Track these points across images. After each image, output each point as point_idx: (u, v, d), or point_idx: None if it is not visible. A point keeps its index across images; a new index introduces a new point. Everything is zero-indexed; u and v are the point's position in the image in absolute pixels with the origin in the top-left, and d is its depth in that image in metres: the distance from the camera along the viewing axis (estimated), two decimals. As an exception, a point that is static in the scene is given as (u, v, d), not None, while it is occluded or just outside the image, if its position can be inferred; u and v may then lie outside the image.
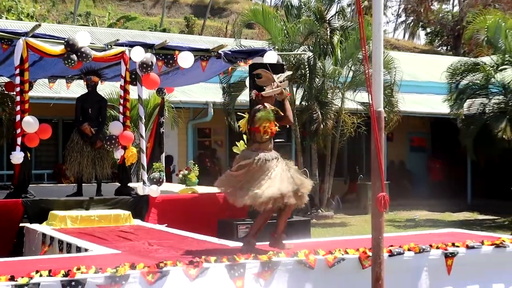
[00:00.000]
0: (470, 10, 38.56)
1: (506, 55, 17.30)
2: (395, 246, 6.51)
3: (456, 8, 48.37)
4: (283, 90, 6.50)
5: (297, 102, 18.00)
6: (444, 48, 50.65)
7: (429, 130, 24.93)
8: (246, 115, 6.74)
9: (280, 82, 6.50)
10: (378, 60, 5.55)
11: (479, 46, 20.45)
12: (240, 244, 7.37)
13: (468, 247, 6.87)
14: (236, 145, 10.84)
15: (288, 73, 6.88)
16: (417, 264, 6.54)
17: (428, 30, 51.74)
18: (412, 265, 6.51)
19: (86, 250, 6.79)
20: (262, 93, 6.44)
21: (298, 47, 17.68)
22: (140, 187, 10.11)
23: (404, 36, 54.55)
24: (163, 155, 13.11)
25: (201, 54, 10.50)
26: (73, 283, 5.08)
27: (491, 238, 7.29)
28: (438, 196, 22.40)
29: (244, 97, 16.81)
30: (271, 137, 6.43)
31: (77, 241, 7.30)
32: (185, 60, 10.19)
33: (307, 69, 17.41)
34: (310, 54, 17.48)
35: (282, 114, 6.47)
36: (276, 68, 9.90)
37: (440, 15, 49.17)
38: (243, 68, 13.18)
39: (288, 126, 8.60)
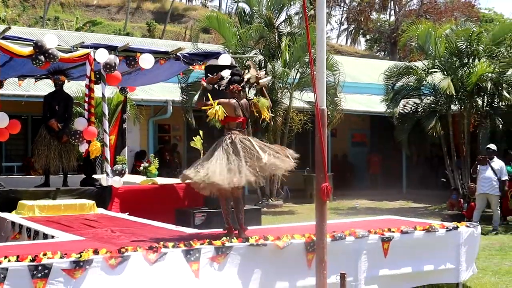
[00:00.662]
0: (404, 20, 39.09)
1: (436, 60, 17.57)
2: (337, 231, 6.55)
3: (393, 18, 49.03)
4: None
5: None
6: (382, 53, 51.29)
7: (369, 127, 25.20)
8: (215, 105, 6.57)
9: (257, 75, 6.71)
10: (322, 63, 5.56)
11: (412, 52, 20.75)
12: (196, 230, 7.36)
13: (402, 232, 6.96)
14: (193, 140, 10.77)
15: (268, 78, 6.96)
16: (357, 247, 6.59)
17: (368, 37, 52.35)
18: (352, 248, 6.56)
19: (52, 237, 6.66)
20: (262, 80, 6.68)
21: (250, 51, 17.67)
22: (104, 178, 9.99)
23: (346, 42, 55.06)
24: (126, 149, 12.97)
25: (161, 56, 10.40)
26: (39, 267, 4.97)
27: (423, 224, 7.40)
28: (377, 186, 22.72)
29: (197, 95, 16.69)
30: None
31: (44, 228, 7.16)
32: (146, 61, 10.09)
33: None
34: (261, 57, 17.48)
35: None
36: (230, 70, 9.92)
37: (378, 24, 49.78)
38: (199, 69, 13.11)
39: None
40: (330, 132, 21.30)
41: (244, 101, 6.69)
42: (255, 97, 6.73)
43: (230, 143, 6.39)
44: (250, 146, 6.35)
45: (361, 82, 24.70)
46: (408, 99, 18.44)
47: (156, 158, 11.76)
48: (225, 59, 10.60)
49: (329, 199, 5.66)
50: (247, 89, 6.94)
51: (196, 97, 6.83)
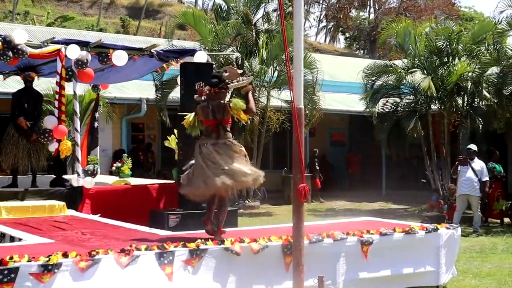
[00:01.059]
0: (384, 18, 39.33)
1: (416, 59, 17.68)
2: (315, 233, 6.54)
3: (372, 16, 49.34)
4: (248, 84, 6.64)
5: (226, 99, 17.89)
6: (362, 51, 51.58)
7: (348, 126, 25.31)
8: (189, 116, 6.75)
9: (243, 77, 6.67)
10: (299, 61, 5.56)
11: (391, 50, 20.85)
12: (170, 232, 7.31)
13: (381, 234, 6.97)
14: (168, 139, 10.73)
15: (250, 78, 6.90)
16: (336, 250, 6.59)
17: (347, 34, 52.61)
18: (330, 251, 6.56)
19: (20, 239, 6.56)
20: (230, 85, 6.55)
21: (226, 48, 17.63)
22: (74, 179, 9.89)
23: (325, 40, 55.23)
24: (98, 148, 12.88)
25: (135, 53, 10.33)
26: (5, 271, 4.88)
27: (402, 226, 7.43)
28: (356, 187, 22.79)
29: (175, 94, 16.65)
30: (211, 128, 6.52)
31: (11, 231, 7.05)
32: (119, 58, 10.01)
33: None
34: (238, 54, 17.45)
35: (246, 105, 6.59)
36: (206, 68, 9.90)
37: (358, 21, 50.07)
38: (175, 67, 13.06)
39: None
40: (309, 132, 21.34)
41: (216, 102, 6.61)
42: (231, 99, 6.70)
43: (198, 149, 6.49)
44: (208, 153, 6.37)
45: (340, 81, 24.80)
46: (387, 98, 18.53)
47: (130, 158, 11.68)
48: (201, 56, 10.57)
49: (306, 200, 5.65)
50: (230, 91, 6.87)
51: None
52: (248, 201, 18.29)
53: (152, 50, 10.47)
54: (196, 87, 6.78)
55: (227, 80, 6.58)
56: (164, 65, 11.13)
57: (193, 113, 6.71)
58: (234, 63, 17.48)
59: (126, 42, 12.33)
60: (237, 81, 6.59)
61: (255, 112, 6.86)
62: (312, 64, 17.75)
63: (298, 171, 5.47)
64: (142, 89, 18.82)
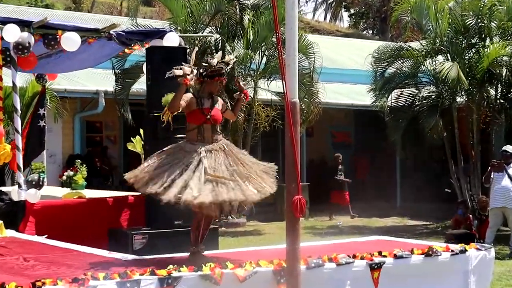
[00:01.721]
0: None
1: (437, 41, 17.70)
2: (313, 256, 6.54)
3: (383, -13, 49.52)
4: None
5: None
6: (370, 31, 51.73)
7: (353, 124, 25.35)
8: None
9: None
10: (292, 43, 5.58)
11: (406, 30, 20.93)
12: (135, 257, 7.30)
13: (396, 256, 6.98)
14: (132, 141, 10.71)
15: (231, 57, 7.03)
16: (340, 277, 6.59)
17: (352, 11, 52.69)
18: (333, 278, 6.56)
19: None
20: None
21: (203, 28, 17.61)
22: (15, 192, 9.84)
23: (325, 18, 55.34)
24: (45, 152, 12.84)
25: (90, 35, 10.30)
26: None
27: (422, 246, 7.44)
28: (364, 199, 22.82)
29: (139, 85, 16.64)
30: (197, 126, 6.78)
31: None
32: (70, 41, 9.96)
33: (214, 53, 17.34)
34: (218, 36, 17.45)
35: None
36: (178, 53, 9.89)
37: (365, -6, 50.19)
38: (139, 52, 13.04)
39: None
40: (305, 131, 21.37)
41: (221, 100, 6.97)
42: None
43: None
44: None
45: (344, 68, 24.87)
46: (402, 89, 18.59)
47: (84, 165, 11.66)
48: (172, 39, 10.55)
49: (302, 216, 5.66)
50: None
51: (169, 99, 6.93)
52: (232, 217, 18.28)
53: (111, 32, 10.43)
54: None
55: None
56: (126, 49, 11.11)
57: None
58: (213, 47, 17.49)
59: (79, 22, 12.31)
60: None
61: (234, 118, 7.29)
62: (309, 47, 17.78)
63: (292, 180, 5.47)
64: (99, 80, 18.77)
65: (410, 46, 18.71)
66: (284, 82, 5.66)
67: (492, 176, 13.39)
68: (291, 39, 5.60)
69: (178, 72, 6.78)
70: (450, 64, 16.62)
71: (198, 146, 6.66)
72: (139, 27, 16.38)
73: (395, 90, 18.69)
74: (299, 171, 5.49)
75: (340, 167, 20.95)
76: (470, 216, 15.78)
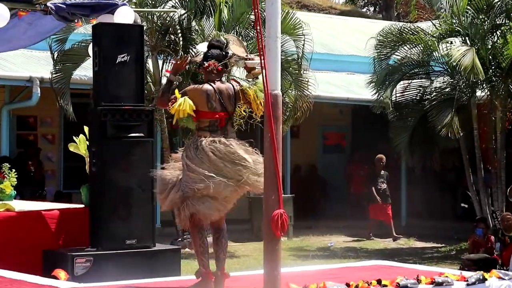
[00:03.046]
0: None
1: (454, 21, 17.76)
2: (298, 285, 6.57)
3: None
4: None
5: (164, 81, 17.92)
6: (372, 9, 51.93)
7: (350, 123, 25.41)
8: (179, 96, 7.01)
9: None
10: (274, 23, 5.59)
11: (416, 8, 21.02)
12: (76, 285, 7.30)
13: (399, 286, 7.02)
14: (74, 141, 10.68)
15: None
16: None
17: (350, -17, 52.91)
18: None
19: None
20: (248, 62, 7.02)
21: (164, 2, 17.59)
22: None
23: (317, -9, 55.52)
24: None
25: (21, 7, 10.26)
26: None
27: (431, 274, 7.49)
28: (362, 214, 22.88)
29: (82, 71, 16.57)
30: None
31: None
32: (-3, 15, 9.92)
33: (179, 34, 17.35)
34: (183, 12, 17.46)
35: None
36: (133, 32, 9.88)
37: (366, -38, 50.39)
38: (84, 29, 13.02)
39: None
40: (290, 131, 21.41)
41: (226, 86, 7.04)
42: (246, 83, 7.07)
43: (195, 149, 6.89)
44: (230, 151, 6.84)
45: (340, 54, 24.91)
46: (410, 80, 18.67)
47: (13, 170, 11.60)
48: (124, 14, 10.51)
49: (284, 235, 5.69)
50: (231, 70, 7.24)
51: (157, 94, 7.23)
52: (199, 236, 18.26)
53: (48, 3, 10.40)
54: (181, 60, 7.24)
55: (232, 55, 7.08)
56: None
57: (184, 97, 6.96)
58: (178, 26, 17.49)
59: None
60: (246, 58, 7.05)
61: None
62: (298, 28, 17.83)
63: (272, 190, 5.49)
64: (33, 65, 18.69)
65: (419, 27, 18.76)
66: (264, 70, 5.68)
67: (520, 188, 13.53)
68: (272, 17, 5.61)
69: (253, 62, 7.04)
70: (466, 49, 16.72)
71: None
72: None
73: (401, 82, 18.75)
74: (280, 180, 5.50)
75: (382, 172, 20.92)
76: (492, 237, 15.89)
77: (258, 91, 6.86)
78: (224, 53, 7.05)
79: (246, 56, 7.07)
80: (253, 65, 6.98)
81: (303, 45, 17.94)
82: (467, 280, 7.37)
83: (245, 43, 7.18)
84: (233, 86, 7.06)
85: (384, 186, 20.60)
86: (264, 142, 5.58)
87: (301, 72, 18.06)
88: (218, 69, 6.98)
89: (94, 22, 10.46)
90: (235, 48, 7.11)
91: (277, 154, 5.43)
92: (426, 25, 19.10)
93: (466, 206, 19.11)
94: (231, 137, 7.07)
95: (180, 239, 17.80)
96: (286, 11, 18.08)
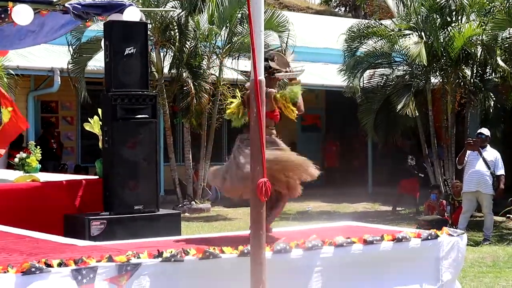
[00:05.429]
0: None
1: (412, 18, 17.76)
2: (281, 242, 6.57)
3: (356, -38, 49.52)
4: (297, 77, 7.28)
5: (166, 70, 17.91)
6: (343, 9, 51.77)
7: (324, 106, 25.42)
8: (235, 103, 7.25)
9: (294, 68, 7.30)
10: (258, 19, 5.57)
11: (380, 8, 21.02)
12: (92, 243, 7.29)
13: (366, 242, 7.03)
14: (89, 122, 10.64)
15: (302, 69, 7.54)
16: (307, 263, 6.62)
17: (324, -14, 52.68)
18: (300, 265, 6.59)
19: None
20: (278, 74, 7.14)
21: (166, 2, 17.51)
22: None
23: (295, -6, 55.27)
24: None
25: (43, 7, 10.17)
26: None
27: (393, 232, 7.49)
28: (335, 184, 22.95)
29: (96, 62, 16.53)
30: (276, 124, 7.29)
31: None
32: (22, 14, 9.82)
33: (176, 30, 17.30)
34: (180, 11, 17.39)
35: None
36: (138, 28, 9.83)
37: (338, -31, 50.18)
38: (97, 26, 12.95)
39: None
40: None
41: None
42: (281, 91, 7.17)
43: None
44: None
45: (315, 47, 24.90)
46: (374, 70, 18.69)
47: (38, 147, 11.56)
48: (132, 13, 10.43)
49: (268, 199, 5.70)
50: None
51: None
52: (196, 202, 18.32)
53: (66, 4, 10.32)
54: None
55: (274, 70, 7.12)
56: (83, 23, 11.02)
57: (238, 100, 7.22)
58: (175, 23, 17.43)
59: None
60: (286, 71, 7.18)
61: (302, 110, 7.41)
62: (283, 25, 17.82)
63: (257, 162, 5.50)
64: (54, 57, 18.65)
65: (383, 24, 18.80)
66: (253, 59, 5.67)
67: (466, 158, 13.52)
68: (256, 14, 5.59)
69: (294, 74, 7.31)
70: (416, 41, 16.87)
71: None
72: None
73: (368, 71, 18.77)
74: (264, 153, 5.51)
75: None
76: (444, 201, 15.97)
77: (287, 96, 7.04)
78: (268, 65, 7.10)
79: (286, 70, 7.18)
80: (292, 76, 7.22)
81: (288, 40, 17.97)
82: (423, 236, 7.37)
83: (291, 57, 7.34)
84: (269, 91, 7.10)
85: (413, 162, 19.88)
86: (250, 120, 5.57)
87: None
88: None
89: (105, 19, 10.40)
90: (280, 63, 7.21)
91: (262, 132, 5.43)
92: (388, 23, 19.11)
93: (422, 175, 19.14)
94: (267, 135, 6.98)
95: (180, 205, 17.84)
96: (273, 11, 18.14)
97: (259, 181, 5.51)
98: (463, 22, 17.39)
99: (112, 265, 5.74)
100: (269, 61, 7.13)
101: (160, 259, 5.98)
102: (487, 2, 17.43)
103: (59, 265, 5.58)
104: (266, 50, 7.25)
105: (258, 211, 5.62)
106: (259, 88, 5.45)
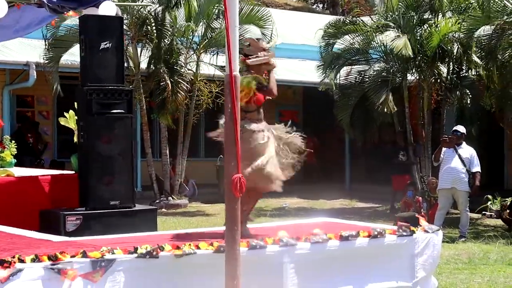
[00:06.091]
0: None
1: (389, 15, 17.80)
2: (256, 237, 6.57)
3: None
4: (270, 60, 7.36)
5: (143, 66, 17.86)
6: (321, 5, 51.82)
7: (301, 102, 25.44)
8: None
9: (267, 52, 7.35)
10: (233, 14, 5.57)
11: (358, 5, 21.08)
12: (67, 238, 7.25)
13: (341, 238, 7.04)
14: (65, 116, 10.56)
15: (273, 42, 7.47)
16: (282, 259, 6.62)
17: (302, -17, 52.71)
18: (275, 261, 6.59)
19: None
20: (248, 61, 7.19)
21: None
22: None
23: (273, -10, 55.25)
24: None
25: (18, 1, 10.08)
26: None
27: (368, 229, 7.51)
28: (312, 180, 22.96)
29: (72, 57, 16.47)
30: (259, 107, 7.29)
31: None
32: (-3, 8, 9.75)
33: (153, 25, 17.26)
34: (157, 6, 17.33)
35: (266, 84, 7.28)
36: (114, 22, 9.77)
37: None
38: (72, 20, 12.86)
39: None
40: (251, 109, 21.42)
41: None
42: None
43: None
44: None
45: (293, 43, 24.88)
46: (351, 66, 18.72)
47: (13, 142, 11.47)
48: (107, 8, 10.38)
49: (242, 194, 5.70)
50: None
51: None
52: (173, 198, 18.28)
53: (40, -3, 10.24)
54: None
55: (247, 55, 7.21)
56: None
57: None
58: (152, 19, 17.36)
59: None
60: (256, 57, 7.23)
61: (275, 94, 7.51)
62: (264, 19, 17.82)
63: (232, 158, 5.49)
64: (30, 50, 18.52)
65: (361, 20, 18.79)
66: (228, 54, 5.66)
67: (442, 155, 13.58)
68: (231, 10, 5.59)
69: (261, 59, 7.30)
70: (397, 34, 16.96)
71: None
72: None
73: (345, 67, 18.80)
74: (239, 149, 5.50)
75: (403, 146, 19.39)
76: (420, 198, 16.03)
77: (248, 82, 6.98)
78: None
79: (258, 55, 7.23)
80: (260, 61, 7.25)
81: (271, 35, 18.00)
82: (398, 233, 7.39)
83: (268, 44, 7.58)
84: None
85: (404, 158, 19.07)
86: (225, 115, 5.57)
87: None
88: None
89: (81, 13, 10.32)
90: (254, 48, 7.30)
91: (236, 127, 5.42)
92: (366, 20, 19.13)
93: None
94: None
95: (157, 201, 17.80)
96: (252, 6, 18.15)
97: (233, 176, 5.51)
98: (439, 19, 17.43)
99: (86, 261, 5.72)
100: (244, 47, 7.23)
101: (135, 255, 5.96)
102: (463, 0, 17.50)
103: (33, 260, 5.55)
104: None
105: (233, 206, 5.61)
106: (234, 83, 5.44)
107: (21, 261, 5.50)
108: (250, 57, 7.20)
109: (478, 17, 16.54)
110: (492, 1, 16.18)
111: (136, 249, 6.03)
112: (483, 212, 16.31)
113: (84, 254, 5.78)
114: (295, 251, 6.72)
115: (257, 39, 7.51)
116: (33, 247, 6.43)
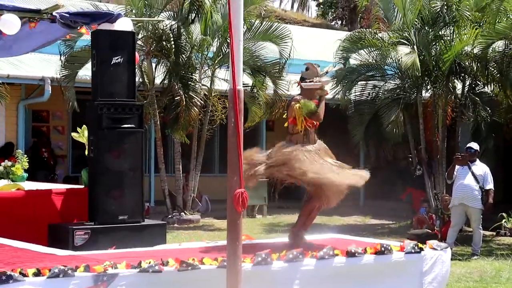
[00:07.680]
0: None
1: (405, 31, 17.72)
2: (262, 253, 6.53)
3: (352, -25, 49.63)
4: (323, 86, 7.66)
5: (157, 81, 17.91)
6: (339, 22, 51.85)
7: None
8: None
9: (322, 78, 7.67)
10: (238, 30, 5.57)
11: (376, 21, 21.01)
12: (74, 252, 7.25)
13: (348, 254, 7.00)
14: (77, 132, 10.60)
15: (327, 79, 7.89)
16: (288, 275, 6.60)
17: (320, 0, 52.77)
18: (281, 277, 6.56)
19: None
20: (302, 84, 7.60)
21: (159, 12, 17.47)
22: None
23: (292, 7, 55.32)
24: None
25: (30, 16, 10.12)
26: None
27: (376, 245, 7.45)
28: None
29: (85, 71, 16.56)
30: (306, 130, 7.72)
31: None
32: (9, 24, 9.77)
33: (171, 40, 17.31)
34: (171, 22, 17.38)
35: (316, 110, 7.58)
36: (126, 37, 9.79)
37: (334, -18, 50.29)
38: (87, 36, 12.88)
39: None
40: (266, 125, 21.39)
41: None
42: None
43: None
44: None
45: (307, 59, 24.85)
46: (366, 82, 18.66)
47: (25, 156, 11.50)
48: (124, 23, 10.40)
49: (244, 209, 5.70)
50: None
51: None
52: (185, 213, 18.26)
53: (54, 13, 10.27)
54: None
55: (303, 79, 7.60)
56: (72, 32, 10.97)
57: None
58: (170, 33, 17.41)
59: (18, 1, 12.09)
60: (310, 81, 7.58)
61: (321, 119, 7.84)
62: (282, 37, 17.90)
63: (234, 172, 5.47)
64: (45, 65, 18.59)
65: (376, 34, 18.64)
66: (232, 69, 5.66)
67: (455, 172, 13.50)
68: (237, 26, 5.59)
69: (316, 84, 7.62)
70: (409, 51, 16.74)
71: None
72: (81, 8, 16.24)
73: (360, 83, 18.74)
74: (242, 163, 5.49)
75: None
76: (433, 215, 15.94)
77: (302, 108, 7.42)
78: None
79: (313, 80, 7.56)
80: (314, 86, 7.57)
81: (290, 53, 18.08)
82: (406, 250, 7.35)
83: (319, 69, 7.68)
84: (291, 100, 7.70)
85: (420, 172, 18.64)
86: (228, 129, 5.56)
87: (282, 74, 18.24)
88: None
89: (96, 28, 10.32)
90: (311, 72, 7.63)
91: (240, 140, 5.41)
92: (383, 36, 19.06)
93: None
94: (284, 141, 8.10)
95: (170, 216, 17.80)
96: (271, 23, 18.26)
97: (236, 191, 5.49)
98: (455, 35, 17.34)
99: (88, 275, 5.71)
100: (303, 71, 7.62)
101: (137, 269, 5.94)
102: (480, 15, 17.37)
103: (35, 274, 5.55)
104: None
105: (235, 221, 5.59)
106: (237, 97, 5.42)
107: (23, 275, 5.49)
108: (306, 80, 7.53)
109: (490, 33, 16.38)
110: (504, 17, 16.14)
111: (139, 263, 6.01)
112: (497, 230, 16.17)
113: (87, 268, 5.77)
114: (300, 268, 6.69)
115: (316, 64, 7.76)
116: (37, 260, 6.43)
